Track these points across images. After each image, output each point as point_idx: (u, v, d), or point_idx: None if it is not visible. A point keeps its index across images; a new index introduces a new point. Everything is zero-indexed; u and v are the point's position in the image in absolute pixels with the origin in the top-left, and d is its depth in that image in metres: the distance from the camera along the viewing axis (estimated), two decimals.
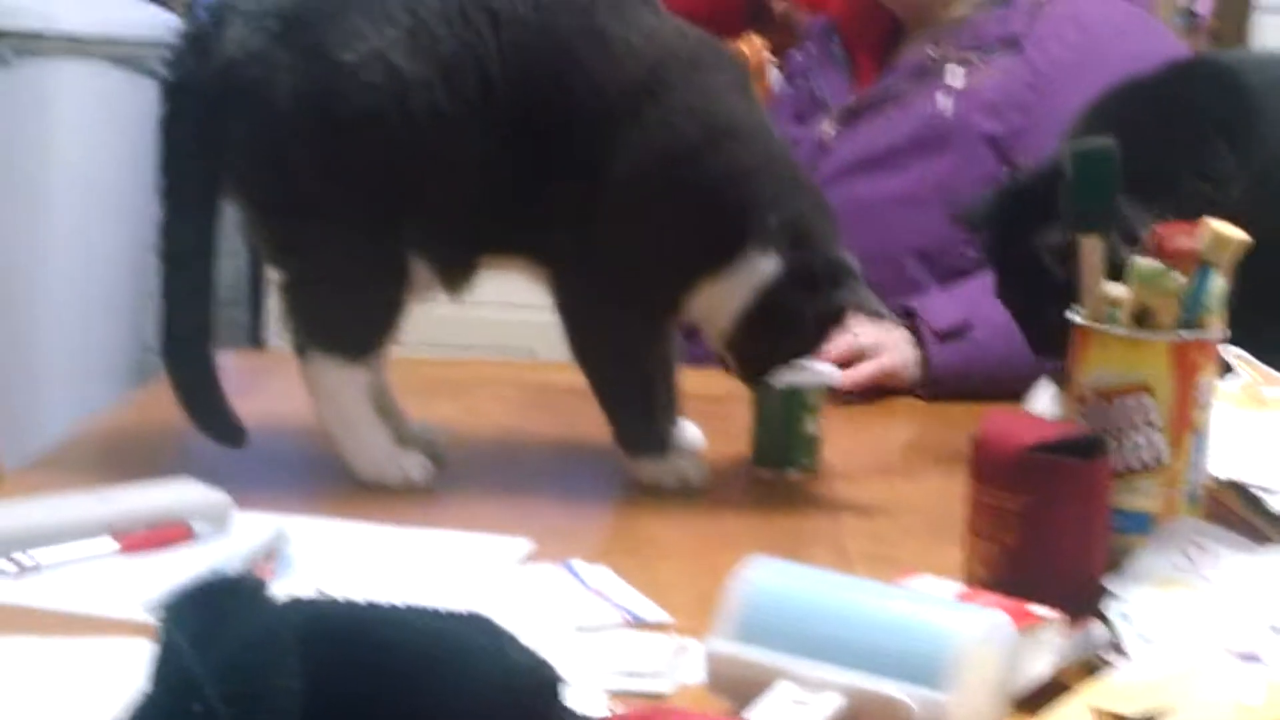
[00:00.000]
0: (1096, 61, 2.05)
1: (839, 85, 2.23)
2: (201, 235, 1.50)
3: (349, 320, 1.50)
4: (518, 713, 0.79)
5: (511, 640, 0.81)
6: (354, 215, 1.46)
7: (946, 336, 1.93)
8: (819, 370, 1.60)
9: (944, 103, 2.07)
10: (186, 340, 1.52)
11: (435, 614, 0.79)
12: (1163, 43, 2.14)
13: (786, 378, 1.58)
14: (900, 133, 2.10)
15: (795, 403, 1.58)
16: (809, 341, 1.52)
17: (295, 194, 1.46)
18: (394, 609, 0.78)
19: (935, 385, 1.92)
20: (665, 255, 1.49)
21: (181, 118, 1.48)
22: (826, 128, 2.17)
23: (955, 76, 2.09)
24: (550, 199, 1.47)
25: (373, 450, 1.50)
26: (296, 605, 0.76)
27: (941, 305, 1.95)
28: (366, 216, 1.46)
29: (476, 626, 0.80)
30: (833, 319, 1.51)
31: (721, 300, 1.49)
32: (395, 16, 1.43)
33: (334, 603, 0.78)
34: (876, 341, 1.90)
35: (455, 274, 1.53)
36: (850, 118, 2.16)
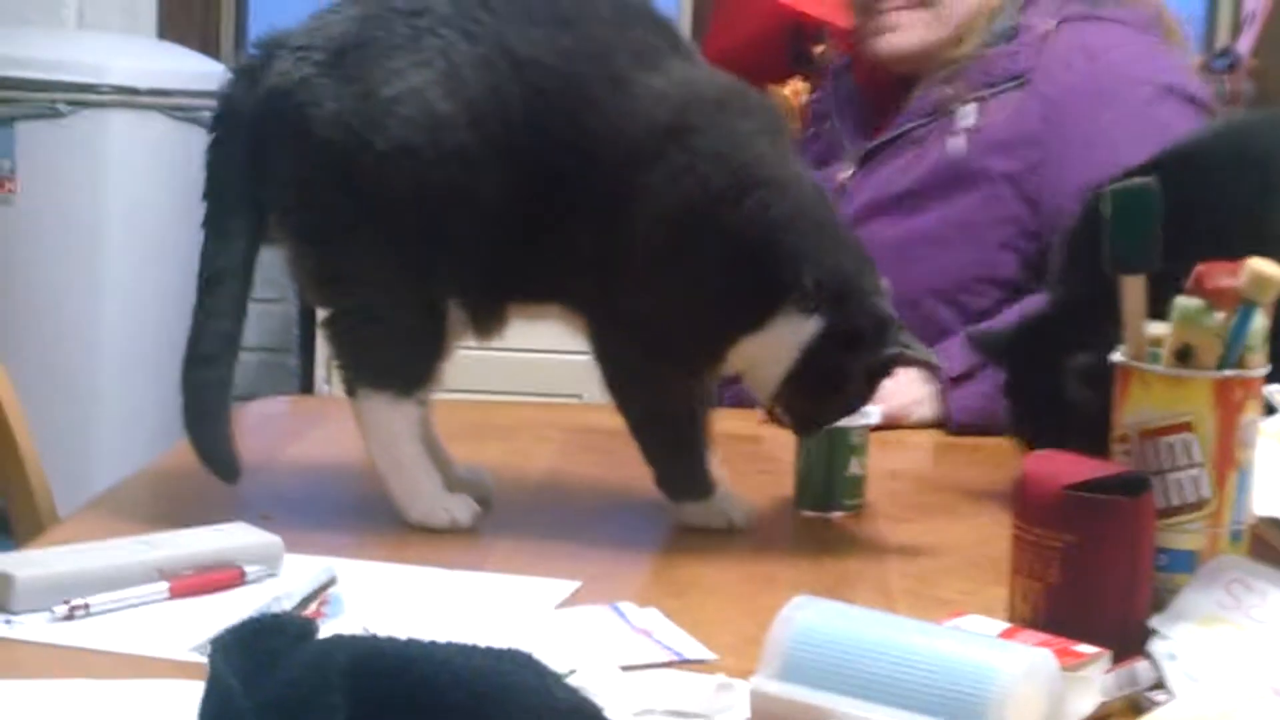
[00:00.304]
0: (1107, 88, 2.06)
1: (856, 128, 2.24)
2: (240, 260, 1.51)
3: (395, 353, 1.51)
4: None
5: (557, 679, 0.82)
6: (390, 247, 1.48)
7: (961, 379, 1.94)
8: (863, 410, 1.61)
9: (957, 144, 2.08)
10: (207, 359, 1.51)
11: (481, 652, 0.80)
12: (1172, 68, 2.14)
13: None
14: (917, 174, 2.11)
15: (840, 444, 1.58)
16: (859, 397, 1.51)
17: (333, 222, 1.48)
18: (440, 647, 0.78)
19: (959, 427, 1.93)
20: (694, 306, 1.48)
21: (226, 144, 1.51)
22: (845, 170, 2.18)
23: (968, 116, 2.10)
24: (573, 245, 1.48)
25: (421, 492, 1.51)
26: (343, 643, 0.77)
27: (957, 349, 1.95)
28: (401, 249, 1.48)
29: (522, 665, 0.80)
30: (880, 372, 1.50)
31: (765, 359, 1.48)
32: (431, 60, 1.45)
33: (380, 640, 0.78)
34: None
35: (484, 318, 1.53)
36: (868, 160, 2.17)
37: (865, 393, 1.51)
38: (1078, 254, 1.64)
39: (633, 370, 1.52)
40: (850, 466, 1.59)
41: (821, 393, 1.49)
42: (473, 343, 1.56)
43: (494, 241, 1.48)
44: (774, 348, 1.46)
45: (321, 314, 1.55)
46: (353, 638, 0.78)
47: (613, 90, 1.47)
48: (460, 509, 1.51)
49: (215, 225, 1.52)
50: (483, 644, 0.81)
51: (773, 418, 1.54)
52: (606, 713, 0.84)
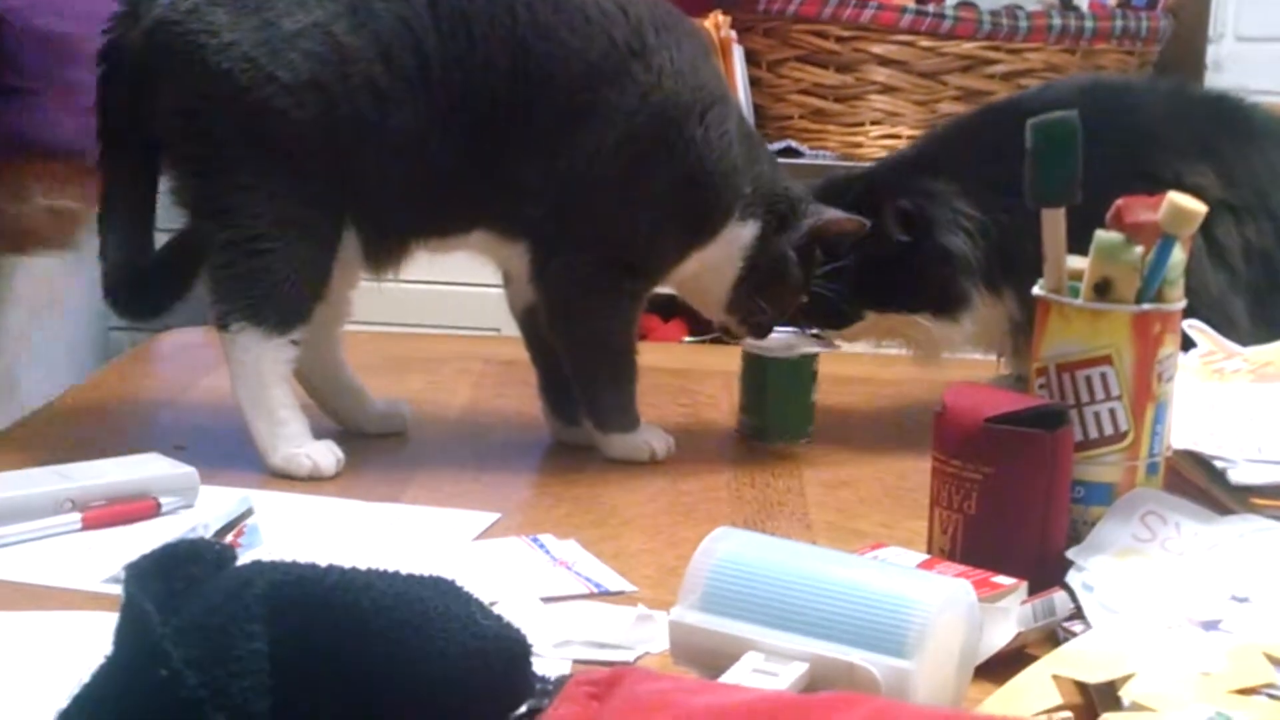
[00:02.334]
0: None
1: None
2: (134, 197, 1.48)
3: (277, 288, 1.44)
4: (487, 678, 0.79)
5: (480, 606, 0.81)
6: (288, 179, 1.44)
7: None
8: (827, 340, 1.65)
9: None
10: (122, 265, 1.48)
11: (403, 579, 0.79)
12: None
13: (794, 349, 1.62)
14: None
15: (804, 371, 1.62)
16: (800, 278, 1.57)
17: (226, 153, 1.44)
18: (361, 573, 0.78)
19: None
20: (661, 222, 1.51)
21: (111, 84, 1.47)
22: None
23: None
24: (518, 169, 1.47)
25: (285, 435, 1.46)
26: (262, 569, 0.76)
27: None
28: (301, 181, 1.44)
29: (445, 592, 0.80)
30: (808, 247, 1.57)
31: (716, 269, 1.54)
32: None
33: (300, 566, 0.77)
34: None
35: (385, 251, 1.51)
36: None
37: (804, 273, 1.57)
38: (941, 134, 1.77)
39: (584, 295, 1.53)
40: (813, 394, 1.63)
41: (768, 286, 1.55)
42: (391, 275, 1.54)
43: (409, 173, 1.46)
44: (723, 257, 1.54)
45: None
46: (272, 564, 0.77)
47: (556, 10, 1.47)
48: (323, 456, 1.45)
49: (109, 165, 1.49)
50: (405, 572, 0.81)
51: (726, 332, 1.61)
52: (529, 641, 0.83)
